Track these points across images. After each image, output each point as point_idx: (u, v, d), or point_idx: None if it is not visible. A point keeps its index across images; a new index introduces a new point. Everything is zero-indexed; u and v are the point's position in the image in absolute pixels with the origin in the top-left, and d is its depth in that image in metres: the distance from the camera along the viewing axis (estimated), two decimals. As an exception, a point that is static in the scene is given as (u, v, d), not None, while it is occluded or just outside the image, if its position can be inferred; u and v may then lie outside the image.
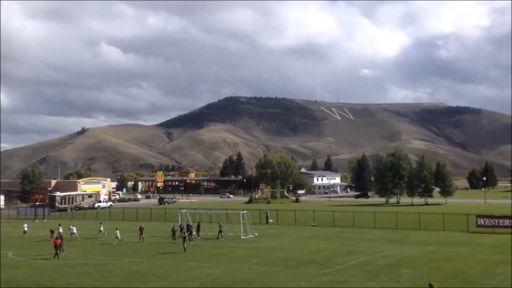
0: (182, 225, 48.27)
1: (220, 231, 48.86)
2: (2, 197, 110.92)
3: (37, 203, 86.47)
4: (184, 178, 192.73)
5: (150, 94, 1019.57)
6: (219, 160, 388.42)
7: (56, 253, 36.88)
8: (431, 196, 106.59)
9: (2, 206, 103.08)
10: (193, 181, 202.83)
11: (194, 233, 47.73)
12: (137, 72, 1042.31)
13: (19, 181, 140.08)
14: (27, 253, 41.23)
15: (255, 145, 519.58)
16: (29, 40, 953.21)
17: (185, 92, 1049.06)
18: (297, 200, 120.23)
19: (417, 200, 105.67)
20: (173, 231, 46.46)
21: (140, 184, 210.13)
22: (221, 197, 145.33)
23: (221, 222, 51.18)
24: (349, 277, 29.61)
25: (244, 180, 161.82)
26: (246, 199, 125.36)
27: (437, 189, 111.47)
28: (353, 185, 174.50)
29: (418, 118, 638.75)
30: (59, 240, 37.85)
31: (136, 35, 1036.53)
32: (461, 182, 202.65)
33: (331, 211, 66.41)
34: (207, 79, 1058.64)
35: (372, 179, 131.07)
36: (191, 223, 49.46)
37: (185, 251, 39.73)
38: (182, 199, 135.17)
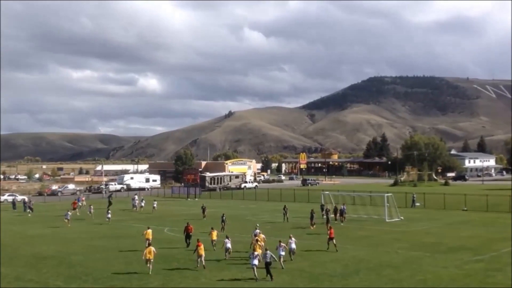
0: (326, 208, 47.41)
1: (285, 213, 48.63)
2: (159, 177, 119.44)
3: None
4: (327, 160, 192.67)
5: (292, 77, 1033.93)
6: (362, 141, 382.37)
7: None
8: None
9: (159, 186, 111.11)
10: (336, 163, 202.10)
11: (332, 215, 45.74)
12: (279, 55, 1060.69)
13: (173, 162, 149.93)
14: (181, 229, 43.89)
15: (400, 126, 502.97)
16: (179, 28, 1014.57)
17: (328, 74, 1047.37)
18: (446, 183, 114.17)
19: None
20: (312, 214, 44.25)
21: (283, 166, 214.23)
22: None
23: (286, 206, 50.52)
24: (505, 265, 27.48)
25: (389, 162, 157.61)
26: (391, 181, 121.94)
27: None
28: (510, 167, 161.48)
29: None
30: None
31: (278, 18, 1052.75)
32: None
33: (484, 195, 62.23)
34: (349, 60, 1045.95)
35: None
36: (345, 207, 48.40)
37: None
38: (325, 181, 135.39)
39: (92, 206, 56.30)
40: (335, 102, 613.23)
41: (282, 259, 27.31)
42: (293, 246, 29.47)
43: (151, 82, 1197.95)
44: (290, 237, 29.97)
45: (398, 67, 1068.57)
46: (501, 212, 53.78)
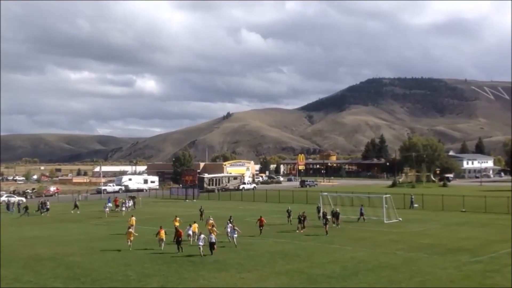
0: (324, 211, 47.11)
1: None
2: (157, 178, 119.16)
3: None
4: (326, 161, 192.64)
5: (290, 78, 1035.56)
6: (361, 143, 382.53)
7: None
8: None
9: (157, 187, 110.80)
10: (335, 164, 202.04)
11: (329, 217, 44.70)
12: (278, 57, 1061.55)
13: (171, 163, 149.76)
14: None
15: (399, 127, 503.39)
16: (177, 30, 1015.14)
17: (326, 75, 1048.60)
18: (444, 185, 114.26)
19: None
20: (300, 218, 42.39)
21: (282, 167, 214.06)
22: None
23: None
24: (503, 266, 27.50)
25: (387, 164, 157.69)
26: (389, 183, 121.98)
27: None
28: (508, 169, 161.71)
29: None
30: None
31: (275, 20, 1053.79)
32: None
33: (482, 196, 62.24)
34: (348, 62, 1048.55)
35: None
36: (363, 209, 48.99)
37: (327, 234, 39.67)
38: (324, 182, 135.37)
39: (127, 200, 63.76)
40: (334, 103, 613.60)
41: (235, 240, 33.97)
42: (228, 230, 35.03)
43: (149, 84, 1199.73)
44: (228, 221, 36.38)
45: (396, 69, 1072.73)
46: (500, 213, 53.80)
